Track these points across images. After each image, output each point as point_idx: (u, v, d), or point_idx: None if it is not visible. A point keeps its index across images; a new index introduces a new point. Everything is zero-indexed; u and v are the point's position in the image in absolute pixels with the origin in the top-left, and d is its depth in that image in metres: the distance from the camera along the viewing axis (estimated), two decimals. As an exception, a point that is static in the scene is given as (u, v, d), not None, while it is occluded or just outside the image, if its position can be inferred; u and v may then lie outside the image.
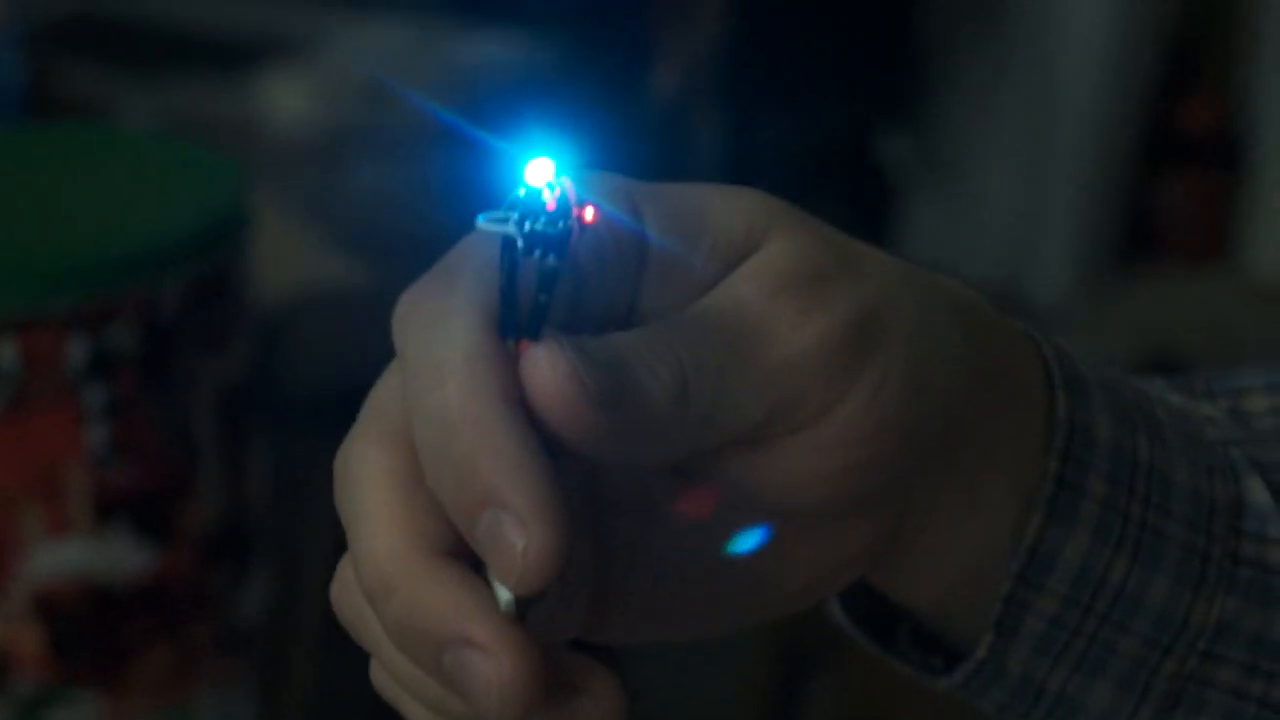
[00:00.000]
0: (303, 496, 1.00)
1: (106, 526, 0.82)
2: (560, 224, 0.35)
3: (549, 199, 0.36)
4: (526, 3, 1.68)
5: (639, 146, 1.80)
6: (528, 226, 0.35)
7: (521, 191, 0.36)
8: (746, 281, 0.38)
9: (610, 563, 0.40)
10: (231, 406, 0.86)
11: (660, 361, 0.36)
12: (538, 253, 0.35)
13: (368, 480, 0.36)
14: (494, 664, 0.34)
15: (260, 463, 0.90)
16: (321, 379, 1.11)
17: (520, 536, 0.34)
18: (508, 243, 0.35)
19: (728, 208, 0.39)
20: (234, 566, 0.88)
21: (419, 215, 1.34)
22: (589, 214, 0.36)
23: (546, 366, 0.35)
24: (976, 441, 0.39)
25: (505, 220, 0.35)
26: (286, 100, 1.46)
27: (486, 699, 0.34)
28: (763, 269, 0.38)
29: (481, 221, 0.35)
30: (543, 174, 0.36)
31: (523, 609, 0.35)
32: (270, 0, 1.65)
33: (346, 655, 0.42)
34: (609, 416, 0.35)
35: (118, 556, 0.82)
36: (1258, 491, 0.42)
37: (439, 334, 0.35)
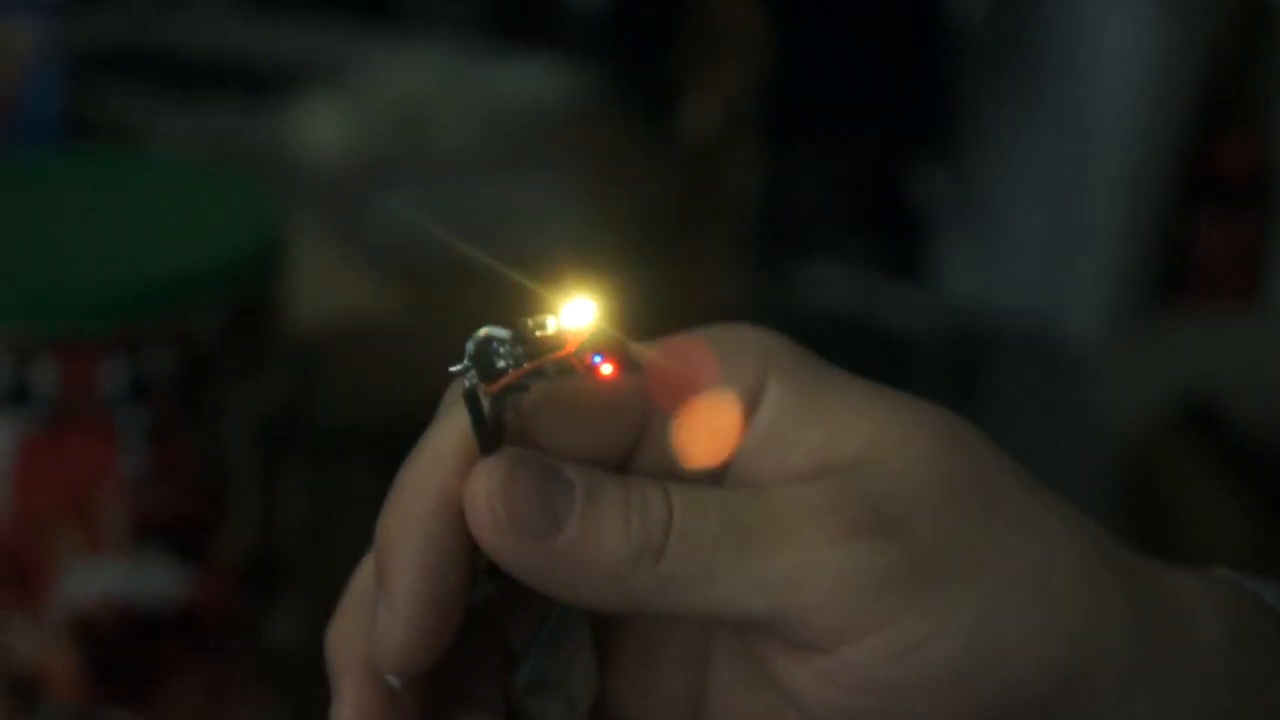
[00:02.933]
0: (334, 524, 1.00)
1: (141, 550, 0.82)
2: (501, 364, 0.37)
3: (532, 334, 0.37)
4: (563, 33, 1.69)
5: (673, 179, 1.80)
6: (472, 349, 0.37)
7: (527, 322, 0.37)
8: (806, 482, 0.37)
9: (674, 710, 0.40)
10: (267, 433, 0.86)
11: (641, 512, 0.36)
12: (467, 384, 0.37)
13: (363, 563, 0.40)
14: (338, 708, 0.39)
15: (293, 489, 0.90)
16: (355, 407, 1.11)
17: (386, 620, 0.37)
18: (467, 366, 0.37)
19: (727, 362, 0.38)
20: (267, 592, 0.88)
21: (455, 244, 1.34)
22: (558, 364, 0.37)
23: (469, 481, 0.37)
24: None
25: (489, 340, 0.37)
26: (322, 126, 1.46)
27: None
28: (830, 481, 0.37)
29: (482, 332, 0.37)
30: (546, 310, 0.37)
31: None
32: (306, 26, 1.65)
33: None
34: (533, 546, 0.36)
35: (152, 580, 0.82)
36: None
37: (430, 434, 0.38)
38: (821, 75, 2.03)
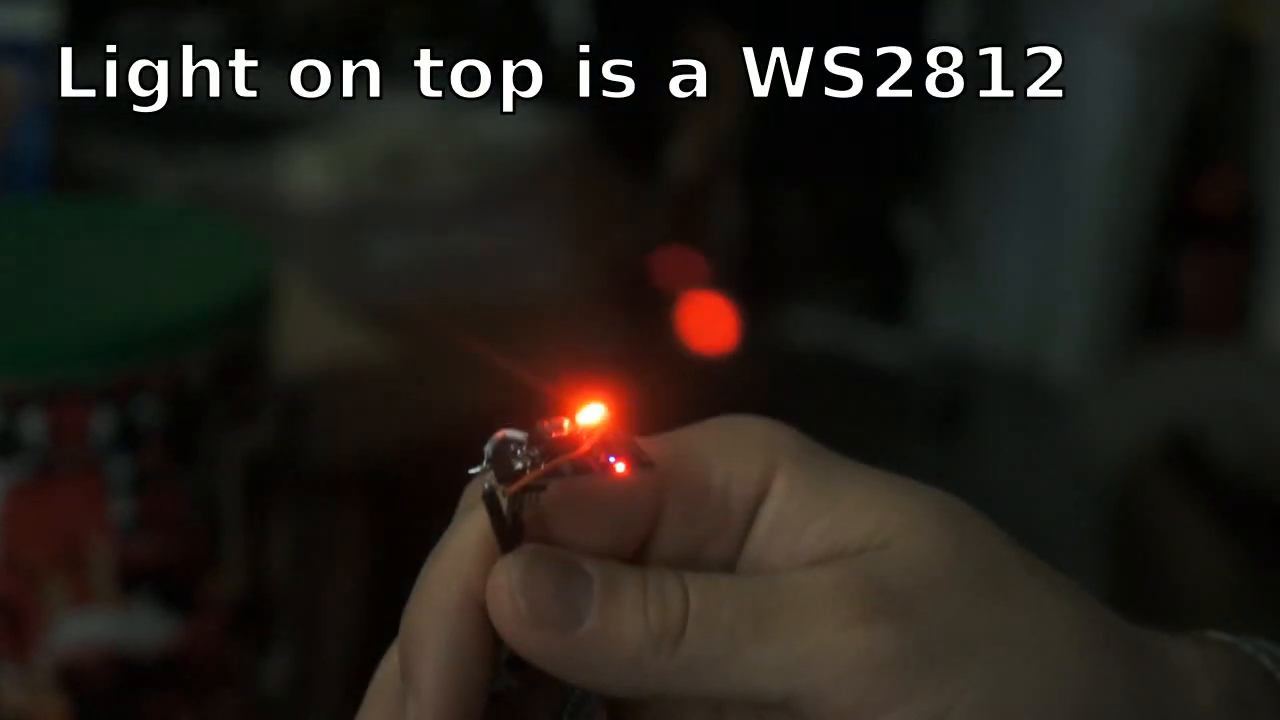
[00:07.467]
0: (322, 568, 1.00)
1: (130, 597, 0.82)
2: (518, 465, 0.38)
3: (549, 434, 0.39)
4: (547, 77, 1.69)
5: (657, 222, 1.81)
6: (490, 451, 0.39)
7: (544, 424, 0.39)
8: (817, 567, 0.38)
9: None
10: (256, 479, 0.86)
11: (658, 600, 0.38)
12: (487, 485, 0.39)
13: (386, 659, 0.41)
14: None
15: (282, 534, 0.90)
16: (342, 451, 1.12)
17: (415, 713, 0.38)
18: (486, 468, 0.39)
19: (736, 454, 0.40)
20: (256, 638, 0.88)
21: (441, 289, 1.35)
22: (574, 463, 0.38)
23: (491, 579, 0.38)
24: None
25: (506, 443, 0.39)
26: (308, 173, 1.47)
27: None
28: (840, 565, 0.38)
29: (499, 434, 0.39)
30: (561, 413, 0.39)
31: None
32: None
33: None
34: (555, 638, 0.38)
35: (141, 627, 0.83)
36: None
37: (451, 533, 0.39)
38: (809, 118, 2.04)
